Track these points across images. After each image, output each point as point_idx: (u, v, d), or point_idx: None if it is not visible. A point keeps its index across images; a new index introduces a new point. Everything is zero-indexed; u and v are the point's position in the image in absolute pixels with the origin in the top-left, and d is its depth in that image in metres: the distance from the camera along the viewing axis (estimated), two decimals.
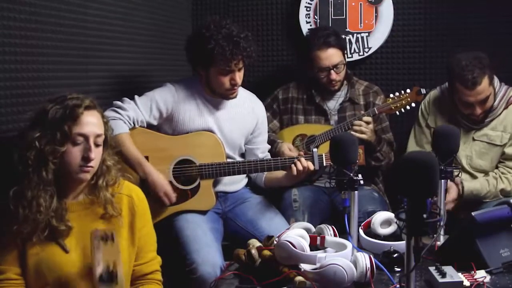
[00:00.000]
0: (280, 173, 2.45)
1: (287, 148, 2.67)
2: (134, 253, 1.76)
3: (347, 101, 2.78)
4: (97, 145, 1.67)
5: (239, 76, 2.37)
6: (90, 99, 1.68)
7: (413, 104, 2.53)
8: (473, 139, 2.57)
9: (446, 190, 2.02)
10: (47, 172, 1.60)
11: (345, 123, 2.61)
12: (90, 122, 1.65)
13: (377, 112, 2.56)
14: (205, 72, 2.40)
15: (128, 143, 2.29)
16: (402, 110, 2.54)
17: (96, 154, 1.66)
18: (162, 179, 2.32)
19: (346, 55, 2.79)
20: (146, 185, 2.30)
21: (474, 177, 2.57)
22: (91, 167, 1.65)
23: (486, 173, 2.57)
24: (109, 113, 2.29)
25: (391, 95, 2.56)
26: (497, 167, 2.57)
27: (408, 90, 2.53)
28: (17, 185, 1.60)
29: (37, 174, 1.59)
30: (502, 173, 2.54)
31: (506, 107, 2.53)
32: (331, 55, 2.67)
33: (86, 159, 1.63)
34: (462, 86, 2.42)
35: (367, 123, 2.53)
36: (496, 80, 2.53)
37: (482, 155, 2.56)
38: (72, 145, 1.62)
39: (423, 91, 2.49)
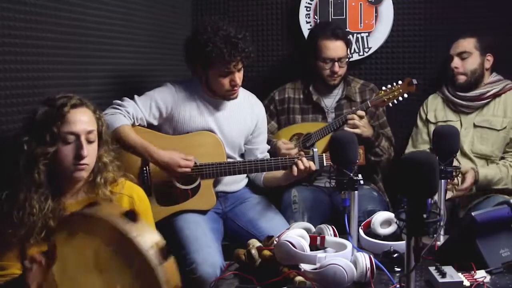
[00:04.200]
0: (279, 173, 2.45)
1: (282, 143, 2.66)
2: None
3: (343, 98, 2.80)
4: (90, 142, 1.66)
5: (238, 77, 2.37)
6: (78, 97, 1.68)
7: (405, 95, 2.54)
8: (474, 125, 2.66)
9: (446, 190, 2.03)
10: (39, 174, 1.60)
11: (339, 118, 2.62)
12: (79, 120, 1.64)
13: (370, 105, 2.56)
14: (204, 74, 2.40)
15: (131, 132, 2.28)
16: (395, 101, 2.55)
17: (90, 151, 1.65)
18: (171, 155, 2.29)
19: (349, 53, 2.80)
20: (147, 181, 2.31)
21: (474, 163, 2.62)
22: (86, 164, 1.65)
23: (486, 158, 2.63)
24: (108, 110, 2.30)
25: (383, 88, 2.58)
26: (502, 158, 2.63)
27: (400, 82, 2.55)
28: (10, 188, 1.60)
29: (29, 176, 1.59)
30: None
31: (498, 94, 2.65)
32: (338, 47, 2.69)
33: (78, 156, 1.63)
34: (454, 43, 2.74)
35: (360, 117, 2.53)
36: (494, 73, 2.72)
37: (484, 141, 2.64)
38: (63, 144, 1.62)
39: (415, 81, 2.53)
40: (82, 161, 1.63)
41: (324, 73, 2.73)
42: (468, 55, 2.68)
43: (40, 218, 1.59)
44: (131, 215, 1.40)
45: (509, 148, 2.63)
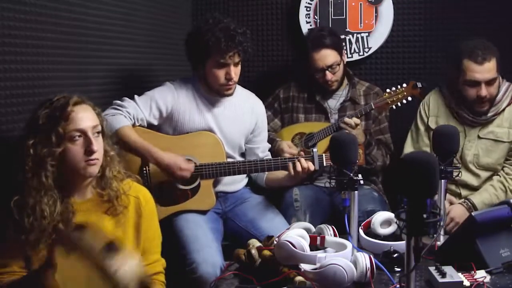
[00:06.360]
0: (281, 173, 2.45)
1: (286, 145, 2.67)
2: (138, 254, 1.76)
3: (348, 100, 2.79)
4: (96, 137, 1.68)
5: (234, 72, 2.37)
6: (77, 95, 1.69)
7: (409, 98, 2.52)
8: (479, 137, 2.56)
9: (446, 190, 2.02)
10: (47, 176, 1.60)
11: (337, 121, 2.63)
12: (84, 117, 1.65)
13: (374, 107, 2.55)
14: (202, 66, 2.40)
15: (132, 134, 2.29)
16: (399, 104, 2.54)
17: (98, 145, 1.67)
18: (173, 158, 2.30)
19: (343, 55, 2.76)
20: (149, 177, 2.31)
21: (478, 176, 2.56)
22: (97, 159, 1.67)
23: (492, 170, 2.56)
24: (109, 110, 2.30)
25: (388, 90, 2.56)
26: (502, 169, 2.56)
27: (404, 85, 2.53)
28: (18, 194, 1.59)
29: (37, 180, 1.59)
30: (507, 174, 2.53)
31: (509, 104, 2.52)
32: (325, 56, 2.66)
33: (89, 152, 1.64)
34: (471, 61, 2.42)
35: (355, 124, 2.50)
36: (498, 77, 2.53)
37: (489, 153, 2.55)
38: (70, 143, 1.63)
39: (419, 84, 2.50)
40: (93, 156, 1.65)
41: (319, 81, 2.74)
42: (495, 81, 2.44)
43: (50, 222, 1.59)
44: (112, 247, 1.44)
45: (510, 156, 2.55)
